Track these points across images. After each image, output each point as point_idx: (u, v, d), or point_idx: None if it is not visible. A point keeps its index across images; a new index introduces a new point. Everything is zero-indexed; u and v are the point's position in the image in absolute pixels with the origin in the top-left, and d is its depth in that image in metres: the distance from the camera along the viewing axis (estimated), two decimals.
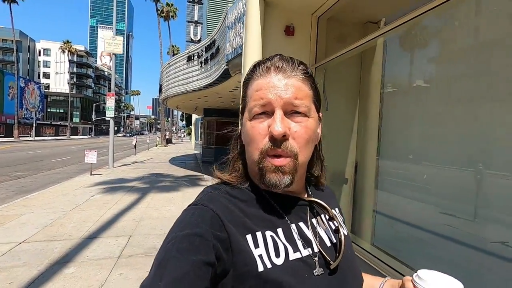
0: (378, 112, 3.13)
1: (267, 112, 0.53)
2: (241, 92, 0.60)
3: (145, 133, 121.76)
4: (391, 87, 3.22)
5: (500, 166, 2.00)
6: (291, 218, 0.57)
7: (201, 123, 20.45)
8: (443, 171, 2.47)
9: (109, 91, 12.52)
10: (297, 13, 3.20)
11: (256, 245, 0.50)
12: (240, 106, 0.60)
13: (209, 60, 7.85)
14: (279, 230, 0.54)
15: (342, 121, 3.31)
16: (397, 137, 3.03)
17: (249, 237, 0.50)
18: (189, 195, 7.16)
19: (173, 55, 36.82)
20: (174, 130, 63.37)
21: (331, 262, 0.54)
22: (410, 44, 2.92)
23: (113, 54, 12.15)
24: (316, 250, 0.55)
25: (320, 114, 0.60)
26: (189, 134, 44.53)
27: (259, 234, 0.51)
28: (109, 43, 11.78)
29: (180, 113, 48.15)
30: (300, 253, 0.53)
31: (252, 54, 3.20)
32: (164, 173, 10.77)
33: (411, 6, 2.45)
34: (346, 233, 0.63)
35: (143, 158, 16.33)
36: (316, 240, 0.57)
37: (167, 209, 5.76)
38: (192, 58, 9.18)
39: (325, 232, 0.60)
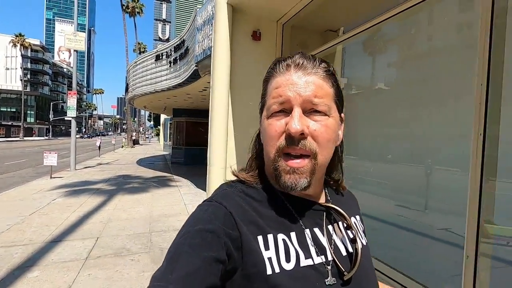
0: None
1: (286, 110, 0.51)
2: (261, 90, 0.59)
3: (110, 133, 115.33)
4: (349, 91, 3.53)
5: (446, 162, 2.30)
6: (306, 222, 0.55)
7: (170, 123, 20.02)
8: (398, 167, 2.76)
9: (70, 89, 11.86)
10: (264, 20, 3.39)
11: (267, 247, 0.49)
12: (260, 104, 0.59)
13: (178, 60, 7.81)
14: (292, 234, 0.52)
15: None
16: (355, 137, 3.32)
17: (260, 238, 0.49)
18: (159, 196, 7.06)
19: (140, 53, 35.52)
20: (141, 130, 60.97)
21: (345, 273, 0.52)
22: (366, 51, 3.23)
23: (74, 50, 11.53)
24: (330, 258, 0.53)
25: (343, 115, 0.58)
26: (158, 134, 43.19)
27: (270, 237, 0.50)
28: (70, 38, 11.14)
29: (147, 113, 46.53)
30: (312, 260, 0.51)
31: (221, 56, 3.34)
32: (132, 175, 10.45)
33: (367, 17, 2.76)
34: (364, 243, 0.61)
35: (109, 160, 15.62)
36: (331, 248, 0.54)
37: (136, 210, 5.67)
38: (160, 57, 9.04)
39: (341, 241, 0.57)
